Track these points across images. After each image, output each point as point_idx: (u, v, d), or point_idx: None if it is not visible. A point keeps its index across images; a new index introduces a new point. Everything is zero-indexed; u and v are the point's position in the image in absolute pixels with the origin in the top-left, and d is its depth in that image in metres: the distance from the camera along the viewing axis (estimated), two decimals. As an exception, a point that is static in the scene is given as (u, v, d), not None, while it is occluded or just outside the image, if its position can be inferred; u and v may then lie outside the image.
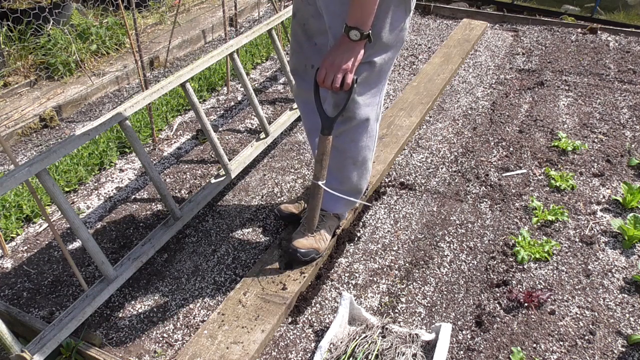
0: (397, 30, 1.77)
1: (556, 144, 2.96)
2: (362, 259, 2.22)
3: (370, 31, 1.63)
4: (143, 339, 1.90)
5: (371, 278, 2.13)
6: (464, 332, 1.91)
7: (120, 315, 1.99)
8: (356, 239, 2.33)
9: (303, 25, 1.96)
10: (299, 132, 3.13)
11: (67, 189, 2.63)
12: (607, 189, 2.65)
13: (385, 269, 2.17)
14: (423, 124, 3.22)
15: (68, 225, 2.37)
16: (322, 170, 1.83)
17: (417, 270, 2.17)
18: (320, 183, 1.85)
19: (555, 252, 2.25)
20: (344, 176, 2.05)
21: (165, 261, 2.23)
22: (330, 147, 1.81)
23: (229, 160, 2.63)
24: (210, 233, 2.37)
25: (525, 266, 2.18)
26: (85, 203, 2.58)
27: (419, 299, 2.04)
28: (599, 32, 4.54)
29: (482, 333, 1.90)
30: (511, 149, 2.96)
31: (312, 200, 1.91)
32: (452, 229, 2.39)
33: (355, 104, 1.85)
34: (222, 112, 3.38)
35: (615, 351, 1.84)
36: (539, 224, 2.41)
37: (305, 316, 1.97)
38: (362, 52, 1.68)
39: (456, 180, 2.71)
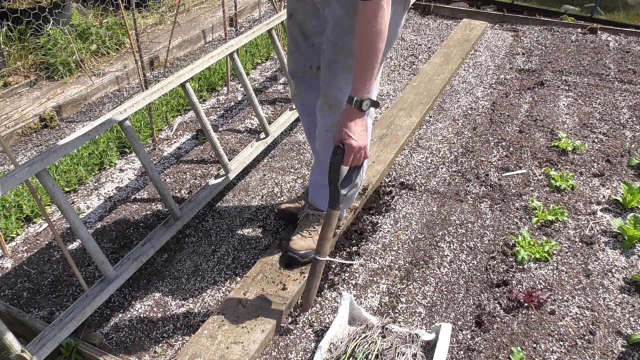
0: (393, 27, 1.75)
1: (556, 144, 2.96)
2: (362, 259, 2.22)
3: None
4: (143, 339, 1.90)
5: (371, 278, 2.13)
6: (464, 332, 1.91)
7: (120, 315, 1.99)
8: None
9: (300, 25, 1.95)
10: (299, 132, 3.13)
11: (67, 189, 2.63)
12: (607, 189, 2.65)
13: (385, 269, 2.17)
14: (423, 124, 3.22)
15: (68, 225, 2.37)
16: (326, 246, 1.75)
17: (417, 270, 2.17)
18: (320, 258, 1.77)
19: (555, 252, 2.25)
20: None
21: (165, 261, 2.23)
22: (336, 221, 1.76)
23: (229, 160, 2.63)
24: (210, 233, 2.37)
25: (525, 266, 2.18)
26: (85, 203, 2.58)
27: (419, 299, 2.04)
28: (599, 32, 4.54)
29: (482, 333, 1.90)
30: (511, 149, 2.96)
31: (311, 278, 1.84)
32: (452, 229, 2.39)
33: (344, 94, 1.80)
34: (222, 112, 3.38)
35: (615, 351, 1.84)
36: (539, 224, 2.41)
37: (305, 316, 1.97)
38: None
39: (456, 180, 2.71)
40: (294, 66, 2.08)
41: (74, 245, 2.33)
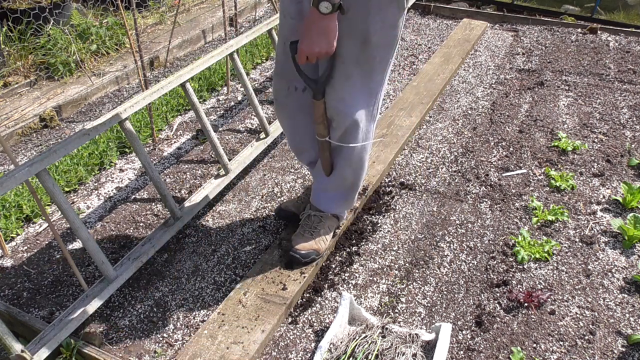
0: (389, 29, 1.69)
1: (556, 144, 2.96)
2: (362, 259, 2.22)
3: (341, 1, 1.50)
4: (143, 339, 1.90)
5: (371, 278, 2.13)
6: (464, 332, 1.91)
7: (120, 315, 1.99)
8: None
9: (283, 44, 1.88)
10: (299, 132, 3.13)
11: (67, 189, 2.63)
12: (607, 189, 2.65)
13: (385, 269, 2.17)
14: (423, 124, 3.22)
15: (68, 225, 2.37)
16: (324, 128, 1.91)
17: (417, 270, 2.17)
18: (326, 139, 1.93)
19: (555, 252, 2.25)
20: (338, 176, 2.05)
21: (165, 261, 2.23)
22: (324, 109, 1.84)
23: (229, 160, 2.63)
24: (210, 233, 2.37)
25: (525, 266, 2.18)
26: (85, 203, 2.58)
27: (419, 299, 2.04)
28: (599, 32, 4.54)
29: (482, 333, 1.90)
30: (511, 149, 2.96)
31: (324, 153, 2.00)
32: (452, 229, 2.39)
33: (346, 105, 1.82)
34: (222, 112, 3.38)
35: (615, 351, 1.84)
36: (539, 224, 2.41)
37: (305, 316, 1.97)
38: (336, 25, 1.57)
39: (456, 180, 2.71)
40: (277, 88, 2.01)
41: (74, 245, 2.33)
